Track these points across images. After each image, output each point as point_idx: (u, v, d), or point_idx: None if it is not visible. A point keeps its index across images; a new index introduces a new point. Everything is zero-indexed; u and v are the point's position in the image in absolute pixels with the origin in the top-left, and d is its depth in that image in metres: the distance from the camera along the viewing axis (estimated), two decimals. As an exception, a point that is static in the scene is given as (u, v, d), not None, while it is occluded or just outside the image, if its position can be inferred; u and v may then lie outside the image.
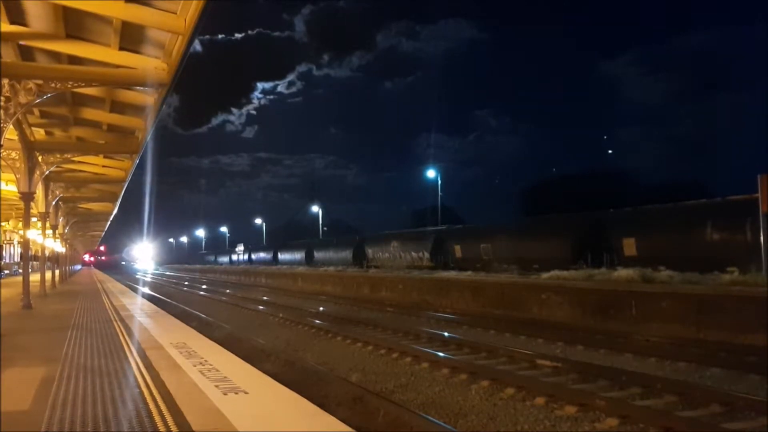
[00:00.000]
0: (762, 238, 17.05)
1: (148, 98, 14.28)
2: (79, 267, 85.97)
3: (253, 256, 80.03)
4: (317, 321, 19.70)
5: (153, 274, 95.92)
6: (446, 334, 15.77)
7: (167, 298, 31.48)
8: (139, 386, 6.24)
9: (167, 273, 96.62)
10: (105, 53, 11.55)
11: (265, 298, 33.23)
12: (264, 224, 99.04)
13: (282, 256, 67.23)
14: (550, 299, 20.05)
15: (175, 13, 9.76)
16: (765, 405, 8.25)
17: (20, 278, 18.04)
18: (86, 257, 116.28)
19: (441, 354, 12.74)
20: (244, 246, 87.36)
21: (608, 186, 47.90)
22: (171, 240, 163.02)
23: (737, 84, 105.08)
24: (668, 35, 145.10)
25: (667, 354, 12.32)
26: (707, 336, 14.40)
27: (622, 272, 19.35)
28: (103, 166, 22.77)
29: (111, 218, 44.93)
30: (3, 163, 15.19)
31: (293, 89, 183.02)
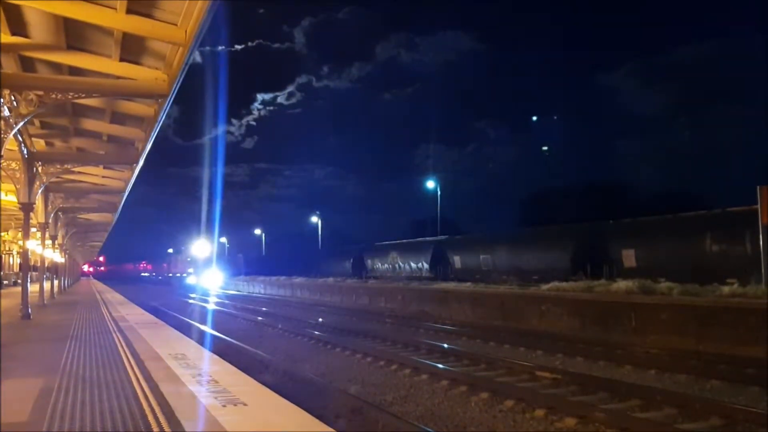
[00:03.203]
0: (762, 249, 17.03)
1: (148, 109, 14.33)
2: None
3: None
4: (316, 332, 19.65)
5: None
6: (445, 345, 15.73)
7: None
8: (137, 397, 6.22)
9: None
10: (106, 64, 11.61)
11: (264, 309, 33.16)
12: (264, 234, 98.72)
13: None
14: (550, 310, 20.01)
15: (176, 25, 9.81)
16: (765, 417, 8.23)
17: (19, 289, 18.02)
18: (85, 268, 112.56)
19: (440, 365, 12.71)
20: (243, 256, 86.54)
21: (607, 197, 47.96)
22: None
23: (736, 95, 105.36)
24: (667, 46, 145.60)
25: (666, 366, 12.29)
26: (707, 348, 14.36)
27: (622, 284, 19.31)
28: (103, 177, 22.82)
29: (111, 228, 44.94)
30: (3, 173, 15.21)
31: (293, 100, 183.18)
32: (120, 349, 10.12)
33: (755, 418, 8.25)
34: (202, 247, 67.07)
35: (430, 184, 51.08)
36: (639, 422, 8.26)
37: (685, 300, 16.35)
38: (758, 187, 17.30)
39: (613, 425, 8.27)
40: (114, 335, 12.24)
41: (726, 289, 16.45)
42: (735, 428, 8.17)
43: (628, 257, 23.76)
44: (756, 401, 9.55)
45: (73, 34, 10.76)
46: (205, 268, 65.39)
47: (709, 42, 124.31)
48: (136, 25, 9.93)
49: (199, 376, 7.36)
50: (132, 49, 11.24)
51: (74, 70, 12.10)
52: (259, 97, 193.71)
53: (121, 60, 11.44)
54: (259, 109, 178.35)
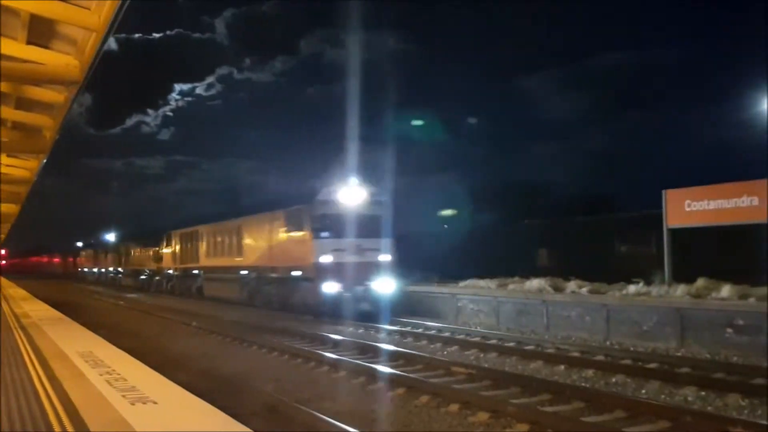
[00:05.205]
0: (665, 250, 17.98)
1: (58, 96, 13.66)
2: None
3: None
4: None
5: None
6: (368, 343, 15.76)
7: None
8: (39, 397, 5.94)
9: None
10: (11, 46, 10.94)
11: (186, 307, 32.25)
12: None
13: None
14: (466, 307, 20.47)
15: (89, 9, 9.38)
16: (663, 409, 8.70)
17: None
18: None
19: (359, 363, 12.73)
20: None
21: (525, 197, 49.34)
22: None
23: (648, 103, 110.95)
24: (583, 55, 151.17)
25: (575, 361, 12.75)
26: (613, 343, 15.05)
27: (535, 281, 19.96)
28: (7, 166, 21.55)
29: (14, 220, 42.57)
30: None
31: (212, 92, 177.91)
32: (21, 346, 9.65)
33: (655, 410, 8.68)
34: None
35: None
36: (548, 416, 8.53)
37: (594, 298, 17.08)
38: (663, 191, 18.20)
39: (524, 419, 8.51)
40: (15, 332, 11.66)
41: (632, 288, 17.29)
42: (637, 420, 8.56)
43: (542, 256, 24.61)
44: (657, 394, 10.06)
45: (-26, 12, 10.11)
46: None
47: (624, 52, 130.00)
48: (45, 7, 9.40)
49: (107, 374, 7.09)
50: (41, 32, 10.62)
51: (-26, 51, 11.37)
52: (177, 87, 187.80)
53: (29, 43, 10.82)
54: (176, 100, 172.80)
